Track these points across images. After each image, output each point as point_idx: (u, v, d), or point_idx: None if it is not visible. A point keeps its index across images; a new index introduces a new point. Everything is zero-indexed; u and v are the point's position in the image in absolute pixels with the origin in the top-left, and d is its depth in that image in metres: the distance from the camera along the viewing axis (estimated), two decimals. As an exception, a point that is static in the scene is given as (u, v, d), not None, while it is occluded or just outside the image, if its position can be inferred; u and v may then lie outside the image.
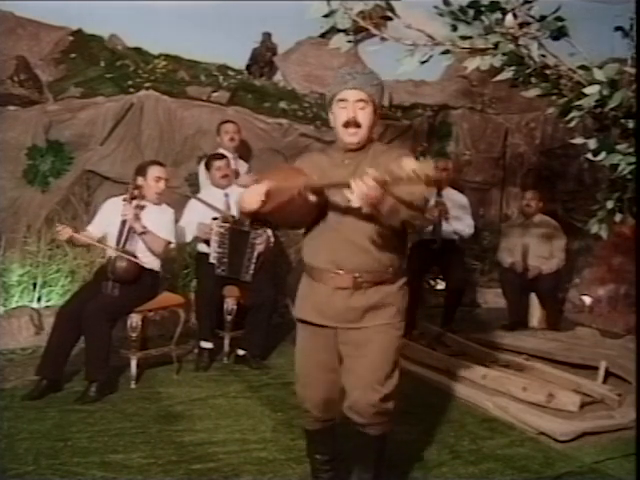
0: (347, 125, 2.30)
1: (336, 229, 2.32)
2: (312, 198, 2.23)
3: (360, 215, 2.15)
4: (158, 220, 3.98)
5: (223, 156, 4.64)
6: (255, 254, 4.33)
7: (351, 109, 2.29)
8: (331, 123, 2.40)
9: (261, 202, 2.19)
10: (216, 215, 4.41)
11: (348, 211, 2.24)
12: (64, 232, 3.76)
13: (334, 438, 2.59)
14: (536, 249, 5.37)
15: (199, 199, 4.57)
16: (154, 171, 3.99)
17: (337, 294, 2.34)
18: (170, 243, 4.08)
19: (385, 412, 2.37)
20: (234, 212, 4.48)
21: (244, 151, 5.36)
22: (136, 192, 3.91)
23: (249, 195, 2.22)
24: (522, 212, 5.54)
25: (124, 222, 3.86)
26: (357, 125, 2.30)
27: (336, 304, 2.35)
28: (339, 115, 2.32)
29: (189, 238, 4.50)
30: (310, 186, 2.21)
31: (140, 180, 3.97)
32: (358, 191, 1.94)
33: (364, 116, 2.31)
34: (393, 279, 2.38)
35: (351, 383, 2.36)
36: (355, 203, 1.96)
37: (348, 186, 1.99)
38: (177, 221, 4.44)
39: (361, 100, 2.30)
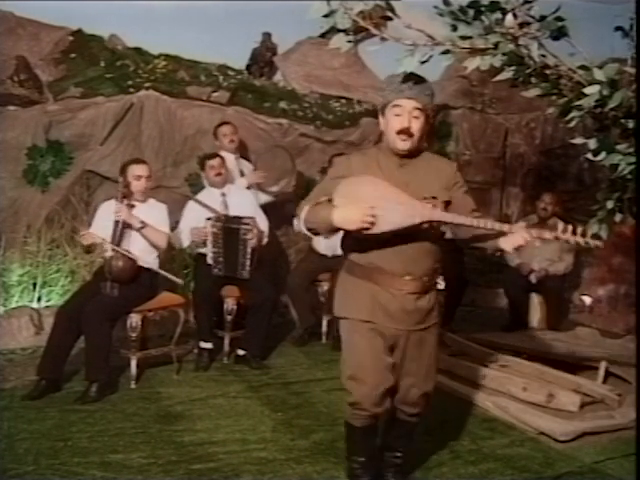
0: (400, 132, 2.37)
1: (406, 236, 2.37)
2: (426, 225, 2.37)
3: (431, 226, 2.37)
4: (151, 215, 4.01)
5: (216, 155, 4.66)
6: (248, 250, 4.33)
7: (406, 118, 2.36)
8: (381, 126, 2.46)
9: (370, 225, 2.27)
10: (210, 215, 4.43)
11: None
12: (88, 237, 3.78)
13: (376, 434, 2.64)
14: (545, 252, 5.35)
15: (197, 200, 4.58)
16: (133, 170, 4.00)
17: (407, 299, 2.44)
18: (169, 237, 4.10)
19: (430, 400, 2.62)
20: (232, 211, 4.50)
21: (246, 151, 5.36)
22: (126, 191, 3.93)
23: (358, 215, 2.26)
24: (538, 214, 5.48)
25: (117, 222, 3.87)
26: (410, 134, 2.36)
27: (407, 308, 2.45)
28: (393, 122, 2.39)
29: (186, 243, 4.51)
30: (437, 220, 2.35)
31: (121, 180, 3.99)
32: (514, 241, 2.31)
33: (417, 125, 2.38)
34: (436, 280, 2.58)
35: (410, 381, 2.53)
36: (507, 248, 2.37)
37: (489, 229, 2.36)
38: (177, 223, 4.46)
39: (416, 109, 2.36)
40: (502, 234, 2.36)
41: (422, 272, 2.43)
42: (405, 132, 2.36)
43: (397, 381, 2.52)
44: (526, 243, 2.30)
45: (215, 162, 4.57)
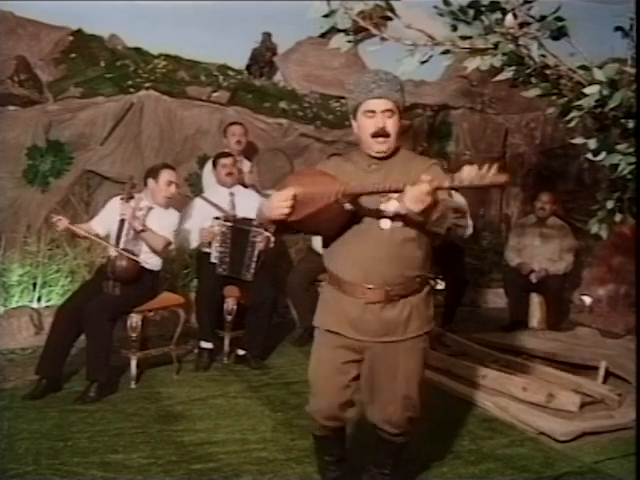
0: (376, 135, 2.24)
1: (364, 242, 2.25)
2: (348, 206, 2.12)
3: (390, 226, 2.20)
4: (162, 221, 3.99)
5: (229, 154, 4.66)
6: (256, 253, 4.33)
7: (380, 119, 2.22)
8: (354, 130, 2.33)
9: (289, 209, 2.11)
10: (218, 214, 4.42)
11: (376, 223, 2.22)
12: (61, 223, 3.77)
13: (342, 442, 2.57)
14: (545, 251, 5.36)
15: (204, 198, 4.58)
16: (166, 175, 3.99)
17: (369, 308, 2.29)
18: (170, 244, 4.08)
19: (414, 421, 2.44)
20: (239, 212, 4.48)
21: (250, 152, 5.36)
22: (132, 191, 3.92)
23: (275, 202, 2.12)
24: (536, 214, 5.48)
25: (122, 221, 3.87)
26: (386, 135, 2.24)
27: (369, 318, 2.30)
28: (366, 125, 2.24)
29: (194, 244, 4.49)
30: (349, 193, 2.09)
31: (152, 183, 3.98)
32: (413, 195, 1.94)
33: (392, 125, 2.25)
34: (420, 289, 2.36)
35: (385, 398, 2.38)
36: (411, 207, 1.97)
37: (389, 192, 2.03)
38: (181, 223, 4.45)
39: (388, 110, 2.23)
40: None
41: (385, 281, 2.25)
42: (381, 134, 2.23)
43: (370, 397, 2.42)
44: (427, 196, 1.94)
45: (227, 161, 4.57)
